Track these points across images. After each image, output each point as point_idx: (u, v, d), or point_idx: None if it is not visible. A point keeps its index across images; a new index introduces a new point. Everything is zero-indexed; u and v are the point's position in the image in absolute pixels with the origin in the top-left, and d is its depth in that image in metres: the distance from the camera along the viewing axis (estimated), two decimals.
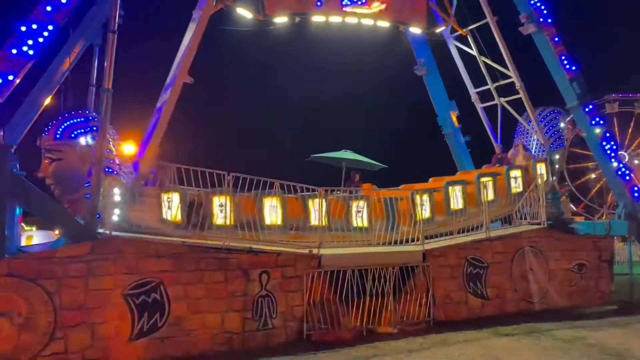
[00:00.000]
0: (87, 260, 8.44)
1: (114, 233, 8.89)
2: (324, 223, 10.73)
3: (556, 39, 16.14)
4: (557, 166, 14.75)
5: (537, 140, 15.78)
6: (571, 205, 25.05)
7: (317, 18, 14.02)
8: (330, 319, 10.06)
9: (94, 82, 12.92)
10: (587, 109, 16.39)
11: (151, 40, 22.11)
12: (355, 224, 11.48)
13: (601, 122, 16.63)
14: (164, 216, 10.02)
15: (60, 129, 9.95)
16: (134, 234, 9.20)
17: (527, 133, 16.42)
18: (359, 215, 11.53)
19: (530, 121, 15.86)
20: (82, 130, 10.13)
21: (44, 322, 8.05)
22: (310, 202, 11.11)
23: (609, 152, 16.24)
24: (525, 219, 13.29)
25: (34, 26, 10.10)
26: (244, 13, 13.27)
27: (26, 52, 10.06)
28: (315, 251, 10.28)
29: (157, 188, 10.42)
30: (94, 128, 10.02)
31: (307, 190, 11.30)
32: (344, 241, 11.17)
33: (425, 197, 12.21)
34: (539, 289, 12.46)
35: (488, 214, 12.35)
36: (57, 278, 8.22)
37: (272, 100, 29.67)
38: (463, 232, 12.31)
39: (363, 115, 30.38)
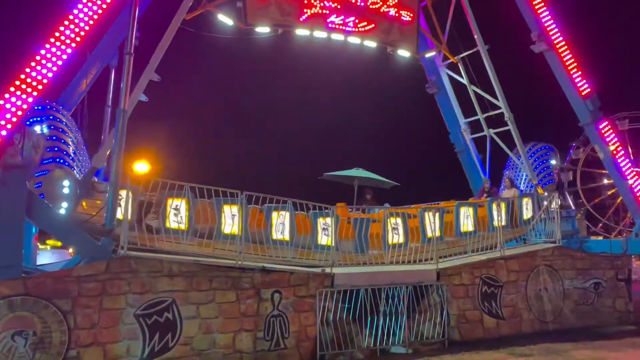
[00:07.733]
0: (101, 280, 8.48)
1: (128, 252, 8.94)
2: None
3: (569, 56, 16.12)
4: (545, 202, 13.68)
5: (526, 175, 15.61)
6: (588, 223, 24.70)
7: (301, 31, 14.11)
8: (344, 339, 9.96)
9: (110, 103, 13.16)
10: (601, 127, 16.28)
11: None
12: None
13: (615, 139, 16.49)
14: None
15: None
16: (147, 252, 9.23)
17: (517, 167, 16.26)
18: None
19: (520, 156, 15.71)
20: (38, 119, 9.95)
21: (57, 341, 8.06)
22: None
23: (624, 169, 16.08)
24: (540, 237, 13.15)
25: (54, 49, 10.36)
26: (226, 20, 13.36)
27: (45, 75, 10.29)
28: (327, 270, 10.24)
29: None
30: (51, 117, 9.83)
31: (319, 208, 11.27)
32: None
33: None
34: (553, 308, 12.27)
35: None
36: (72, 297, 8.25)
37: (284, 117, 29.89)
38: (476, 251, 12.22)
39: (375, 133, 30.47)
